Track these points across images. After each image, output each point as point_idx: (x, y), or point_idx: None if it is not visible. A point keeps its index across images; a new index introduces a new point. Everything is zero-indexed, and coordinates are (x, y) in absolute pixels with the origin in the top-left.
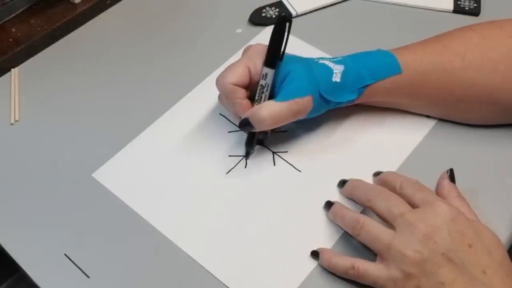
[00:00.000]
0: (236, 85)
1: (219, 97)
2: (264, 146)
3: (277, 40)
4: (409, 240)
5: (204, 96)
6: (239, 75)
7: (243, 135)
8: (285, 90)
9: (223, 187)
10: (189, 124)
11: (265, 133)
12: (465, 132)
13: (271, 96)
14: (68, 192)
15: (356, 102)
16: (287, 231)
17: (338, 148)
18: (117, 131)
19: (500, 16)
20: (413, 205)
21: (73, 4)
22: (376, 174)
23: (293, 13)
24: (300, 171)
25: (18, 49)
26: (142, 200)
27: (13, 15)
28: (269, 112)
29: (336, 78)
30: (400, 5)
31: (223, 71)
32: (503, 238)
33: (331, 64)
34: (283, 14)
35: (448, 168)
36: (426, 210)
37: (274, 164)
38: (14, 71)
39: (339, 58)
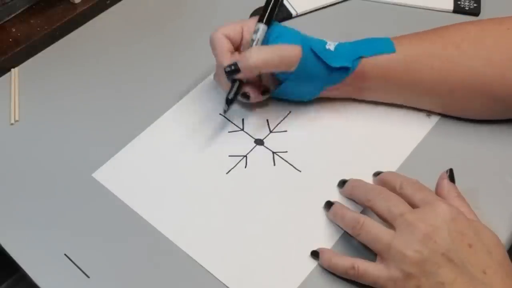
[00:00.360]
0: (227, 37)
1: (214, 74)
2: (264, 146)
3: None
4: (409, 240)
5: (204, 96)
6: (231, 29)
7: (244, 135)
8: (275, 42)
9: (223, 187)
10: (189, 124)
11: (246, 94)
12: (465, 132)
13: None
14: (68, 192)
15: (350, 82)
16: (287, 231)
17: (338, 148)
18: (117, 131)
19: (499, 16)
20: (413, 205)
21: (73, 4)
22: (376, 174)
23: (293, 13)
24: (300, 171)
25: (18, 49)
26: (142, 200)
27: (13, 15)
28: (257, 53)
29: (330, 47)
30: (400, 5)
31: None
32: (503, 238)
33: (324, 40)
34: None
35: (448, 168)
36: (426, 210)
37: (274, 164)
38: (14, 71)
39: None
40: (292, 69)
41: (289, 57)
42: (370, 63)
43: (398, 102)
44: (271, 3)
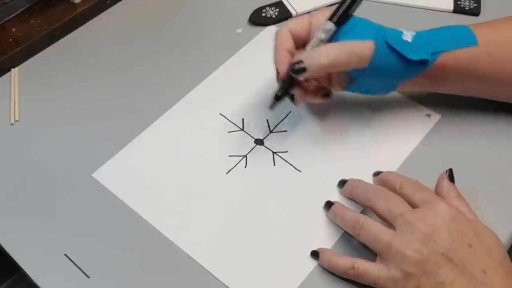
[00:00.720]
0: (292, 33)
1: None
2: (264, 146)
3: None
4: (409, 240)
5: (204, 96)
6: (298, 24)
7: (244, 135)
8: (346, 36)
9: (223, 187)
10: (189, 124)
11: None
12: (464, 132)
13: None
14: (68, 192)
15: (428, 74)
16: (287, 231)
17: (338, 148)
18: (117, 131)
19: (500, 16)
20: (413, 205)
21: (73, 4)
22: (376, 174)
23: (293, 13)
24: (300, 171)
25: (18, 49)
26: (142, 200)
27: (13, 15)
28: (326, 51)
29: (407, 37)
30: (400, 5)
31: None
32: (503, 238)
33: (401, 30)
34: None
35: (447, 168)
36: (426, 210)
37: (274, 164)
38: (14, 71)
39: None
40: (365, 65)
41: (360, 54)
42: (450, 55)
43: (475, 94)
44: (345, 3)
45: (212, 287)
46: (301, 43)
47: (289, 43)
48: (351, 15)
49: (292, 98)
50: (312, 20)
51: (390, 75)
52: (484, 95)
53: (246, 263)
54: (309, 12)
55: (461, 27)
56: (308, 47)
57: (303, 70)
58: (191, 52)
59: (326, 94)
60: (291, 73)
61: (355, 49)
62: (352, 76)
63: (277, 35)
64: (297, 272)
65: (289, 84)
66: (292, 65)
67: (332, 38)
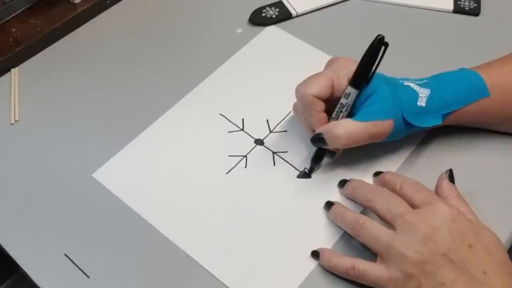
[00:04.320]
0: (317, 97)
1: (294, 106)
2: (264, 146)
3: (369, 61)
4: (409, 240)
5: (204, 96)
6: (321, 87)
7: (244, 135)
8: (367, 110)
9: (223, 187)
10: (189, 124)
11: (332, 151)
12: (465, 132)
13: (350, 114)
14: (68, 192)
15: (439, 125)
16: (287, 231)
17: None
18: (117, 131)
19: (500, 16)
20: (413, 206)
21: (73, 4)
22: (376, 174)
23: (293, 13)
24: (300, 171)
25: (18, 49)
26: (142, 200)
27: (13, 15)
28: (345, 130)
29: (422, 102)
30: (400, 5)
31: (305, 80)
32: (503, 238)
33: (416, 88)
34: (381, 36)
35: (447, 168)
36: (426, 210)
37: (274, 164)
38: (14, 71)
39: (424, 81)
40: (381, 140)
41: (378, 134)
42: (462, 110)
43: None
44: (362, 66)
45: (212, 287)
46: (325, 101)
47: (320, 104)
48: (372, 76)
49: (332, 154)
50: (333, 80)
51: (403, 136)
52: (500, 129)
53: (246, 263)
54: (309, 12)
55: (472, 77)
56: (333, 115)
57: (323, 143)
58: (191, 52)
59: None
60: (311, 143)
61: (374, 131)
62: None
63: (306, 103)
64: (297, 272)
65: (321, 151)
66: (312, 137)
67: (355, 100)
